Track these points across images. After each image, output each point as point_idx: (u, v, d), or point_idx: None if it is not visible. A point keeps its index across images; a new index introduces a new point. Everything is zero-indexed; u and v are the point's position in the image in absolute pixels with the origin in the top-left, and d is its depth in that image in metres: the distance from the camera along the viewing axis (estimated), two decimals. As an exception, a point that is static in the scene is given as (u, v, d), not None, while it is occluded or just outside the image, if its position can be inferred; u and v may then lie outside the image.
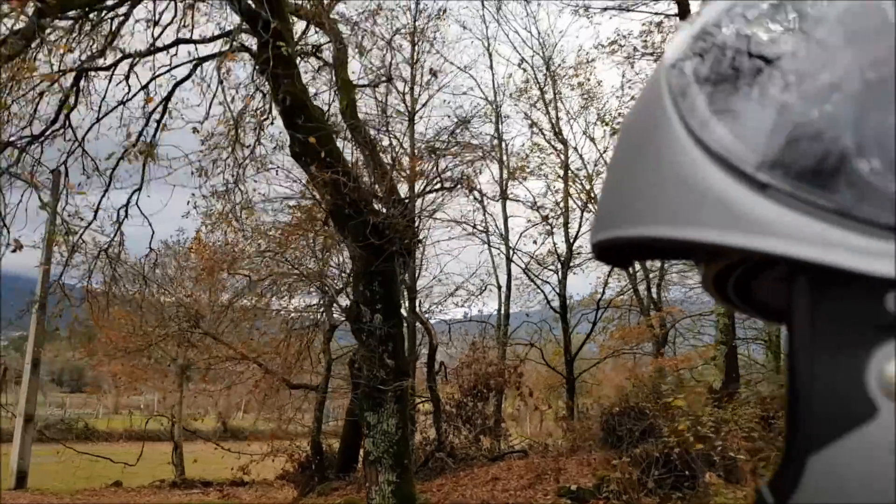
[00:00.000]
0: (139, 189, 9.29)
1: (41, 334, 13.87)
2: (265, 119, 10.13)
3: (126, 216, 9.34)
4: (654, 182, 0.37)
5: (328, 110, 9.78)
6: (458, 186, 11.14)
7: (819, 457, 0.34)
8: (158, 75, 8.55)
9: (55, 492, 13.75)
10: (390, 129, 12.67)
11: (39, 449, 17.44)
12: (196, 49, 8.87)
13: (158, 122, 9.06)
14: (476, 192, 13.61)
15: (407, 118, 16.03)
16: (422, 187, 10.77)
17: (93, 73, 8.58)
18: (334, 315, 13.61)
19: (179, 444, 18.29)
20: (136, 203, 9.35)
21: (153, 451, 18.79)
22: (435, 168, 10.90)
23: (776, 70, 0.35)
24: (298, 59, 9.01)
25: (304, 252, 13.10)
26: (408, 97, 16.40)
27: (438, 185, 11.32)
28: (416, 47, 16.45)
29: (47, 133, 8.87)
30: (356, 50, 10.54)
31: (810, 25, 0.36)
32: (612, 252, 0.41)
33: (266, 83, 8.73)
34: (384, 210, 8.06)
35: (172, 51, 8.66)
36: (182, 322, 12.32)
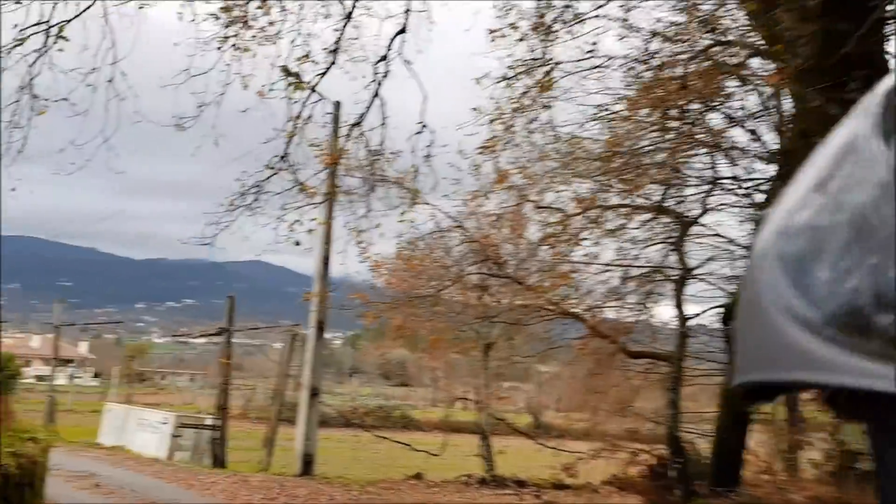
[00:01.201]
0: (402, 30, 6.10)
1: (324, 295, 11.79)
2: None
3: (385, 73, 6.20)
4: (765, 341, 0.48)
5: None
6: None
7: None
8: None
9: (344, 481, 11.49)
10: None
11: (335, 434, 15.89)
12: None
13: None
14: None
15: None
16: None
17: None
18: (686, 255, 9.46)
19: (488, 435, 15.65)
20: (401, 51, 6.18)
21: (463, 442, 17.25)
22: None
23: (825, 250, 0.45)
24: None
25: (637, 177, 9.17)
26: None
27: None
28: None
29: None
30: None
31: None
32: (753, 391, 0.51)
33: None
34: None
35: None
36: (479, 262, 9.20)
